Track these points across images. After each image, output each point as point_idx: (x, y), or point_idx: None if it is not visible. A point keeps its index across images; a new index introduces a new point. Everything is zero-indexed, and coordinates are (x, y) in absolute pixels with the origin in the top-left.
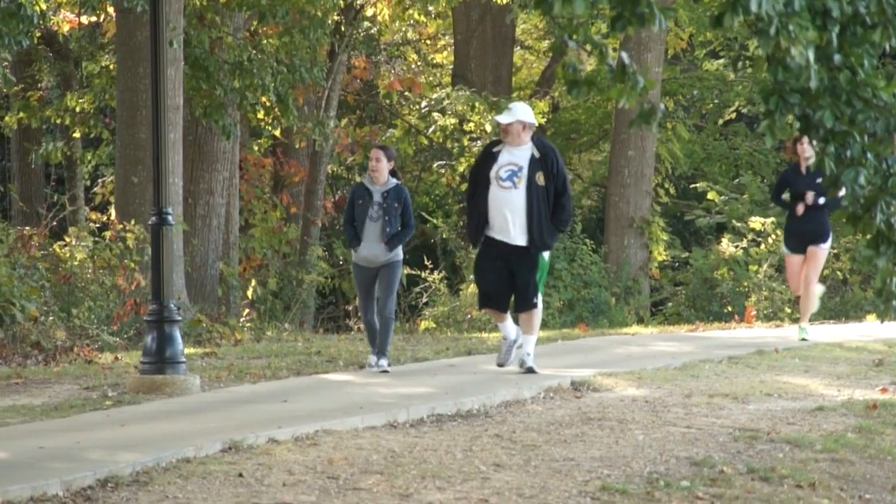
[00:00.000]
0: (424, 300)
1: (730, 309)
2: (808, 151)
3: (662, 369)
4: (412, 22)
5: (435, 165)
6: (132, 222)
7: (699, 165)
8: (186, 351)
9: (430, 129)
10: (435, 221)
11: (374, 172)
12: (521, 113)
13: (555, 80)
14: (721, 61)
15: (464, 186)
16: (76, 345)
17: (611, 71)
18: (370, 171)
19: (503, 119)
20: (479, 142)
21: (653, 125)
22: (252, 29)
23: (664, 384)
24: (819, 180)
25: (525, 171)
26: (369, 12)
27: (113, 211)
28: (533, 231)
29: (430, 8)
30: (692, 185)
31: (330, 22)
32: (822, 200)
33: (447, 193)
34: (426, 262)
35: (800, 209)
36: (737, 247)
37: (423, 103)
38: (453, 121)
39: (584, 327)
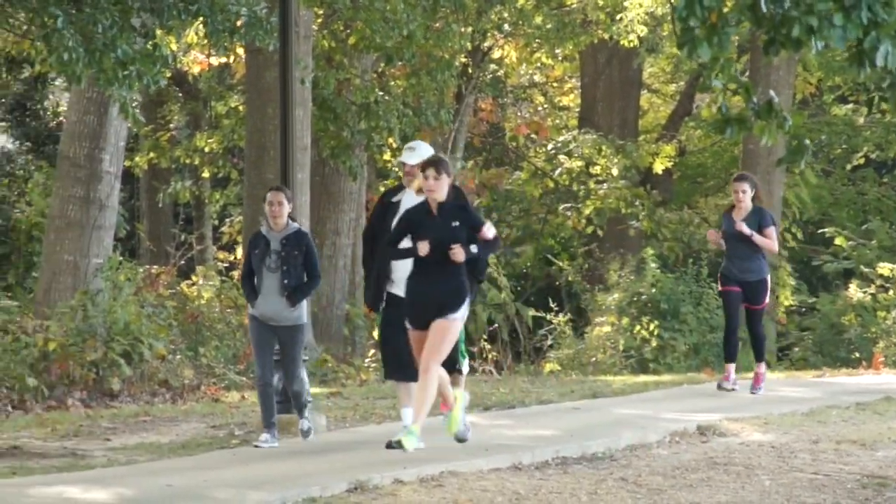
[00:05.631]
0: (549, 342)
1: (857, 355)
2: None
3: (789, 415)
4: (539, 65)
5: (561, 208)
6: None
7: (826, 210)
8: (312, 390)
9: (557, 172)
10: (560, 264)
11: (275, 218)
12: (428, 152)
13: (682, 124)
14: (850, 106)
15: (589, 229)
16: (203, 383)
17: (753, 109)
18: (270, 216)
19: (409, 159)
20: (605, 184)
21: (801, 162)
22: (379, 71)
23: (791, 430)
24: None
25: None
26: (496, 55)
27: (240, 250)
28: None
29: (558, 51)
30: (819, 231)
31: (457, 64)
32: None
33: (572, 236)
34: (551, 304)
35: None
36: (865, 293)
37: (550, 146)
38: (580, 163)
39: (710, 372)
